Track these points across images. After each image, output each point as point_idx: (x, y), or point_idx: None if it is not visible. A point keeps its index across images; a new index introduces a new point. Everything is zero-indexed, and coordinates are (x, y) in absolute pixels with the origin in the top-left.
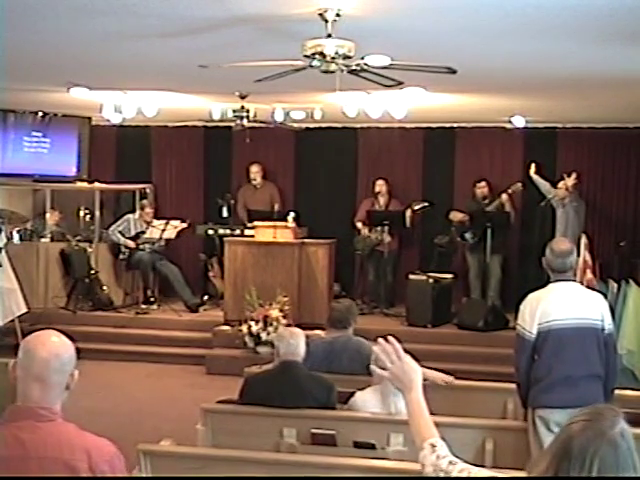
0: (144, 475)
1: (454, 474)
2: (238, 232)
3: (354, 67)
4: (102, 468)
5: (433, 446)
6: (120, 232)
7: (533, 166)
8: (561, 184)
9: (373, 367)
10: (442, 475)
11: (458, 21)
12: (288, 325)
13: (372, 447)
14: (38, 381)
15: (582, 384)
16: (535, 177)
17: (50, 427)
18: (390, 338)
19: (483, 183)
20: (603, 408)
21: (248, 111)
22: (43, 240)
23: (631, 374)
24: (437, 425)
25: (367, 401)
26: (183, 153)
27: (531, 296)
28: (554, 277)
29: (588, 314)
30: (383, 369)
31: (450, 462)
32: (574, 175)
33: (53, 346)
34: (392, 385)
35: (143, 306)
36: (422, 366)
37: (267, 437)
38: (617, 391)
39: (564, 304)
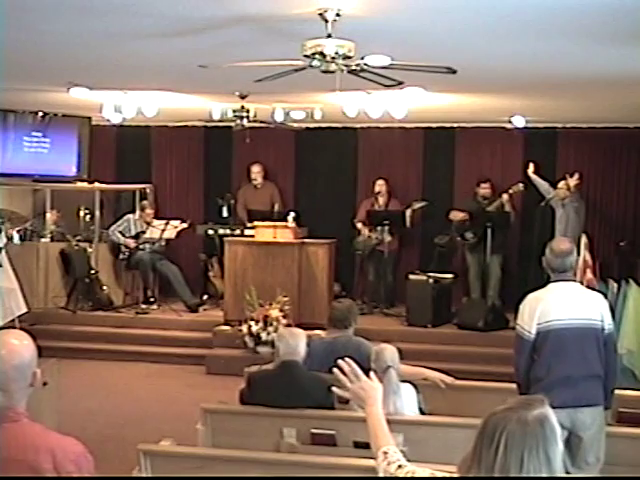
0: (144, 475)
1: (401, 476)
2: (238, 232)
3: (354, 67)
4: (68, 468)
5: (385, 453)
6: (120, 232)
7: (531, 166)
8: (562, 184)
9: (334, 389)
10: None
11: (458, 21)
12: (288, 325)
13: None
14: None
15: (582, 384)
16: (533, 177)
17: (14, 428)
18: (347, 360)
19: (487, 184)
20: (532, 398)
21: (248, 111)
22: (43, 240)
23: (631, 374)
24: (437, 425)
25: None
26: (183, 153)
27: (530, 296)
28: (554, 277)
29: (588, 314)
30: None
31: (399, 466)
32: (577, 175)
33: (10, 355)
34: (397, 387)
35: (143, 306)
36: (422, 366)
37: (267, 437)
38: (617, 391)
39: (564, 304)
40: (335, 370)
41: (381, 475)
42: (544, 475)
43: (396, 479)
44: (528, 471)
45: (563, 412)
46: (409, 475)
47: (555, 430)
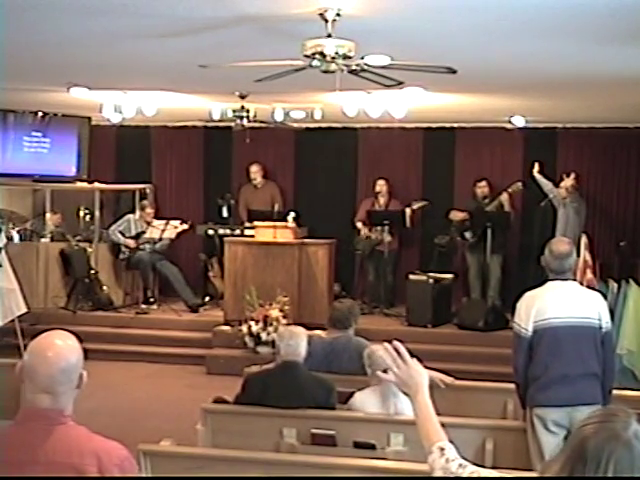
0: (144, 475)
1: (465, 476)
2: (238, 232)
3: (354, 67)
4: (112, 471)
5: (442, 449)
6: (120, 232)
7: (536, 165)
8: (563, 184)
9: (379, 373)
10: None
11: (458, 21)
12: (289, 325)
13: (372, 447)
14: (46, 393)
15: (579, 383)
16: (538, 176)
17: (60, 431)
18: (396, 342)
19: (484, 183)
20: (616, 409)
21: (248, 111)
22: (43, 240)
23: (631, 374)
24: None
25: (366, 401)
26: (183, 153)
27: (527, 294)
28: (552, 277)
29: (585, 312)
30: (384, 371)
31: (460, 465)
32: (572, 175)
33: (57, 357)
34: (397, 388)
35: (143, 306)
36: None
37: (267, 437)
38: (617, 391)
39: (560, 302)
40: (380, 353)
41: (439, 472)
42: None
43: (459, 479)
44: None
45: (561, 411)
46: (474, 475)
47: None
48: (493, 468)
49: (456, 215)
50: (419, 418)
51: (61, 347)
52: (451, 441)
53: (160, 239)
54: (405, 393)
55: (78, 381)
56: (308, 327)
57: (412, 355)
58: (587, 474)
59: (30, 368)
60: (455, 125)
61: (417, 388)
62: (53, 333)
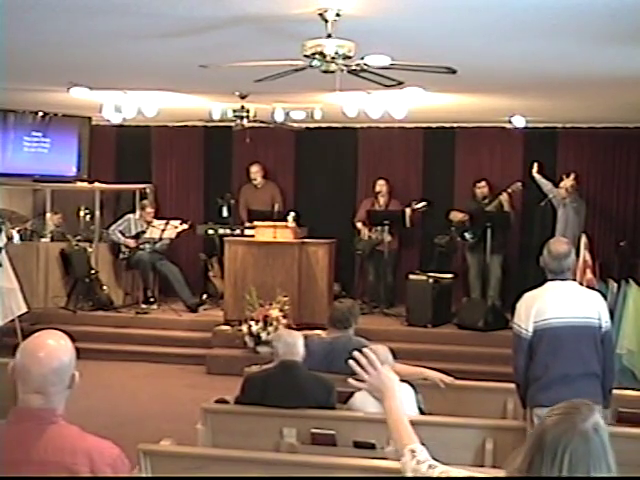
0: (144, 475)
1: (435, 476)
2: (238, 232)
3: (354, 67)
4: (104, 471)
5: (413, 452)
6: (120, 232)
7: (535, 165)
8: (563, 184)
9: (350, 380)
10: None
11: (458, 21)
12: (288, 325)
13: (372, 447)
14: (38, 393)
15: (579, 382)
16: (537, 177)
17: (52, 430)
18: (365, 350)
19: (483, 183)
20: (578, 403)
21: (248, 111)
22: (43, 240)
23: (631, 374)
24: (437, 425)
25: (366, 401)
26: (183, 153)
27: (527, 295)
28: (551, 277)
29: (584, 312)
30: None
31: (430, 466)
32: (572, 176)
33: (49, 357)
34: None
35: (143, 306)
36: (422, 366)
37: (267, 437)
38: (617, 391)
39: (560, 303)
40: (351, 362)
41: (410, 474)
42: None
43: (430, 479)
44: None
45: None
46: (444, 475)
47: (606, 434)
48: (493, 468)
49: (456, 215)
50: (392, 422)
51: (53, 347)
52: (422, 443)
53: (160, 239)
54: (376, 398)
55: (70, 381)
56: (308, 327)
57: (395, 356)
58: (544, 464)
59: (22, 368)
60: (455, 125)
61: (388, 393)
62: (45, 333)
